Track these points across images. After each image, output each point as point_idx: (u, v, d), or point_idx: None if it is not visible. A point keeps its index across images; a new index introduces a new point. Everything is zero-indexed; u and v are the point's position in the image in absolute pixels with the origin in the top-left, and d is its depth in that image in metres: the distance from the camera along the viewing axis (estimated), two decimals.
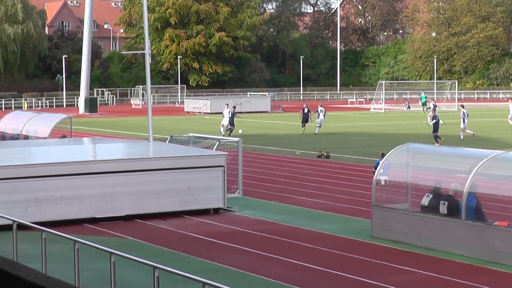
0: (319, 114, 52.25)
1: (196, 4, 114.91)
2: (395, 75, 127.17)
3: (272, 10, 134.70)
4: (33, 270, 9.28)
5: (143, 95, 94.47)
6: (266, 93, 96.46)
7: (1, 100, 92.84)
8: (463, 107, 49.61)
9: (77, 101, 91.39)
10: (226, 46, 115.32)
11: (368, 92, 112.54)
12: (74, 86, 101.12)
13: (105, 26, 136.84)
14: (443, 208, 18.72)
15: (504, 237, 17.49)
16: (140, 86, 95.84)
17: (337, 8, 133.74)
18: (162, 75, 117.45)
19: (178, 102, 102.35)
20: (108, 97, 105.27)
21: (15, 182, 21.26)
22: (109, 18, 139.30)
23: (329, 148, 40.09)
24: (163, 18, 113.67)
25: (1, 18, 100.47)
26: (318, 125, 52.06)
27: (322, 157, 38.11)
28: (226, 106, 53.38)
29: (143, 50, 29.71)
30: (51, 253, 15.99)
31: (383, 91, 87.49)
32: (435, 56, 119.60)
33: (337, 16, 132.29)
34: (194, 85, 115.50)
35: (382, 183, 21.71)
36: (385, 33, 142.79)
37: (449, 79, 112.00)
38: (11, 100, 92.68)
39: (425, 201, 19.21)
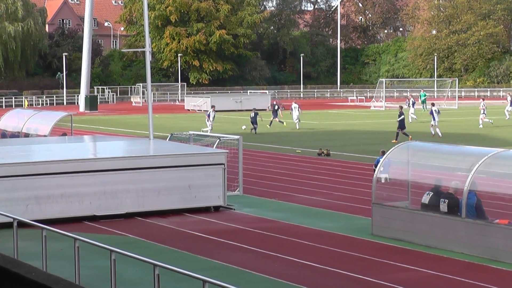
0: (292, 111, 55.98)
1: (196, 2, 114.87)
2: (396, 73, 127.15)
3: (272, 8, 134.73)
4: (34, 268, 9.28)
5: (143, 93, 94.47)
6: (267, 91, 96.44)
7: (2, 98, 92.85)
8: (433, 105, 51.47)
9: (78, 99, 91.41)
10: (226, 44, 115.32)
11: (368, 90, 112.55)
12: (74, 84, 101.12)
13: (106, 24, 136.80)
14: (443, 206, 18.72)
15: (505, 235, 17.49)
16: (141, 84, 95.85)
17: (337, 5, 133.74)
18: (162, 73, 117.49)
19: (178, 100, 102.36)
20: (108, 95, 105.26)
21: (15, 180, 21.27)
22: (109, 16, 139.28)
23: (329, 146, 40.09)
24: (163, 16, 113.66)
25: (2, 16, 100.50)
26: (297, 121, 55.28)
27: (323, 155, 38.11)
28: (212, 108, 54.69)
29: (144, 48, 29.75)
30: (52, 251, 16.00)
31: (383, 89, 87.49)
32: (435, 54, 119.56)
33: (337, 13, 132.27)
34: (194, 83, 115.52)
35: (383, 181, 21.73)
36: (386, 31, 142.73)
37: (449, 77, 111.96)
38: (12, 98, 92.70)
39: (426, 199, 19.21)
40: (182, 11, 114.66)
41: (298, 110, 55.78)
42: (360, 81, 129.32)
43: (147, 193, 22.81)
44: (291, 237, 19.93)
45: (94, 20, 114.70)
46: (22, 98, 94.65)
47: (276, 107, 57.27)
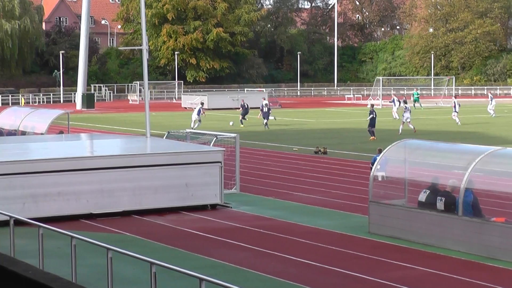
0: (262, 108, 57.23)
1: None
2: (393, 71, 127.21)
3: (269, 6, 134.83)
4: (30, 266, 9.26)
5: (140, 91, 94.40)
6: (264, 89, 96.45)
7: None
8: (406, 102, 53.23)
9: (75, 97, 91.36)
10: (223, 42, 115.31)
11: (365, 88, 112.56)
12: (71, 82, 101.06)
13: (103, 22, 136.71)
14: (440, 204, 18.72)
15: (501, 233, 17.50)
16: (138, 82, 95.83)
17: (334, 3, 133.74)
18: (159, 71, 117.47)
19: (175, 98, 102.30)
20: (105, 93, 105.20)
21: (12, 178, 21.25)
22: (106, 14, 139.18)
23: (326, 144, 40.09)
24: (160, 13, 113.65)
25: None
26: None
27: (320, 153, 38.11)
28: (201, 104, 56.76)
29: (141, 46, 29.70)
30: (48, 249, 16.00)
31: (380, 87, 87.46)
32: (432, 52, 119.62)
33: (334, 11, 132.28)
34: (191, 81, 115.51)
35: (379, 179, 21.72)
36: (383, 29, 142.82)
37: (446, 75, 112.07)
38: (9, 96, 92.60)
39: (422, 197, 19.21)
40: (179, 9, 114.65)
41: (268, 107, 56.31)
42: (357, 79, 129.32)
43: (144, 191, 22.79)
44: (288, 235, 19.92)
45: (91, 18, 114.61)
46: (19, 96, 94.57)
47: (246, 105, 57.11)
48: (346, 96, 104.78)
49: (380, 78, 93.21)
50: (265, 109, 55.10)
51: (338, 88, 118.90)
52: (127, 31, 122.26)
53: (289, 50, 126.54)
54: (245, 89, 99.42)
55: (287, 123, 57.43)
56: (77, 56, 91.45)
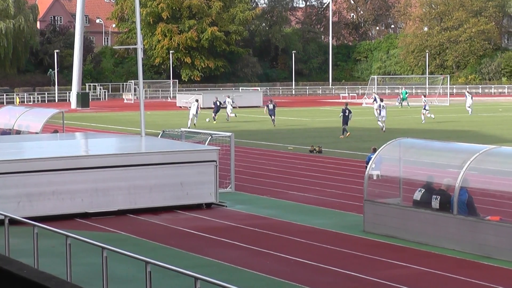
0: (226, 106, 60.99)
1: None
2: (387, 69, 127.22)
3: (264, 5, 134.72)
4: (25, 265, 9.25)
5: (135, 90, 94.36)
6: (258, 88, 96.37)
7: None
8: (382, 101, 53.98)
9: (69, 96, 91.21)
10: (218, 40, 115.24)
11: (360, 86, 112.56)
12: (66, 81, 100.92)
13: (97, 21, 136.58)
14: (435, 203, 18.75)
15: (496, 231, 17.52)
16: (132, 81, 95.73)
17: (329, 2, 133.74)
18: (154, 70, 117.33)
19: (170, 97, 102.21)
20: (100, 92, 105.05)
21: (7, 177, 21.23)
22: (101, 13, 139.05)
23: (321, 143, 40.10)
24: (155, 12, 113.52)
25: None
26: (233, 115, 60.52)
27: (314, 152, 38.13)
28: (196, 100, 58.48)
29: (135, 44, 29.66)
30: (43, 248, 15.98)
31: (375, 86, 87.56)
32: (427, 51, 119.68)
33: (329, 10, 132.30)
34: (186, 80, 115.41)
35: (374, 177, 21.75)
36: (377, 28, 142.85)
37: (441, 74, 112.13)
38: (3, 95, 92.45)
39: (417, 195, 19.23)
40: (173, 8, 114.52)
41: (232, 104, 61.46)
42: (352, 78, 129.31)
43: (138, 190, 22.79)
44: (283, 234, 19.93)
45: (86, 17, 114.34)
46: (13, 95, 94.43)
47: (218, 103, 60.45)
48: (341, 95, 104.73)
49: (375, 77, 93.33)
50: (271, 106, 55.89)
51: (333, 87, 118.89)
52: (122, 30, 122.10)
53: (284, 49, 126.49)
54: (240, 88, 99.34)
55: (282, 122, 57.40)
56: (71, 55, 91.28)
